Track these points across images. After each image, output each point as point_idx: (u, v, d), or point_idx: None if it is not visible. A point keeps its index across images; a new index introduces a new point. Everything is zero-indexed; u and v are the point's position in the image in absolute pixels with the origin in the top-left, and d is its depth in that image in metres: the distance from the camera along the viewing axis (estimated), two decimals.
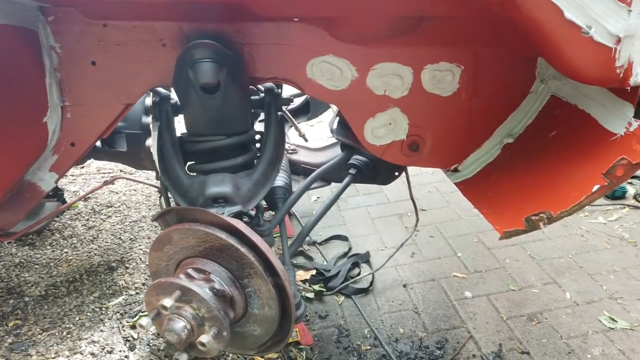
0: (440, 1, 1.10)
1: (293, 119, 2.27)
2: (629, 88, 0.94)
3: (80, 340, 2.01)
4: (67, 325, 2.09)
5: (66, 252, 2.67)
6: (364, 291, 2.34)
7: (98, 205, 3.25)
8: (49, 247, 2.72)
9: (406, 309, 2.22)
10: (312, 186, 1.87)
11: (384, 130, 1.35)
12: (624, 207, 3.01)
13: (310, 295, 2.32)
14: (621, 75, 0.92)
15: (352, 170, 1.81)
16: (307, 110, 2.58)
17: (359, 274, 2.49)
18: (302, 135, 2.34)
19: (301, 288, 2.37)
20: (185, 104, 1.29)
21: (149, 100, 2.03)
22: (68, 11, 1.18)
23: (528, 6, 0.89)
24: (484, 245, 2.71)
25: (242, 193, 1.31)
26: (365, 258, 2.61)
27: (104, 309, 2.21)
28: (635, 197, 3.10)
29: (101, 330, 2.06)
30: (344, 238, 2.84)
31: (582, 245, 2.64)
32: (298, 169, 2.39)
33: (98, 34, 1.20)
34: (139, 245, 2.75)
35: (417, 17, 1.20)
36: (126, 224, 3.01)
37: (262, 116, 1.94)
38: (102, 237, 2.84)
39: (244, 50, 1.27)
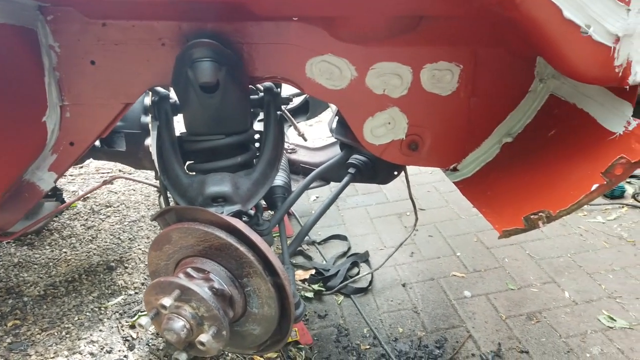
0: (440, 1, 1.10)
1: (292, 119, 2.27)
2: (627, 87, 0.95)
3: (79, 340, 2.00)
4: (66, 325, 2.09)
5: (65, 252, 2.67)
6: (363, 291, 2.34)
7: (97, 205, 3.25)
8: (47, 247, 2.72)
9: (405, 309, 2.22)
10: (311, 186, 1.87)
11: (383, 130, 1.35)
12: (623, 207, 3.02)
13: (310, 294, 2.32)
14: (620, 74, 0.92)
15: (351, 170, 1.81)
16: (307, 110, 2.58)
17: (358, 273, 2.49)
18: (302, 135, 2.34)
19: (300, 287, 2.37)
20: (184, 104, 1.29)
21: (148, 100, 2.03)
22: (67, 10, 1.18)
23: (527, 5, 0.89)
24: (483, 244, 2.71)
25: (241, 192, 1.31)
26: (365, 257, 2.61)
27: (103, 308, 2.20)
28: (634, 197, 3.10)
29: (100, 330, 2.06)
30: (343, 238, 2.84)
31: (581, 245, 2.64)
32: (297, 169, 2.39)
33: (97, 34, 1.20)
34: (138, 245, 2.75)
35: (417, 16, 1.20)
36: (125, 223, 3.01)
37: (261, 116, 1.94)
38: (101, 237, 2.84)
39: (243, 50, 1.27)
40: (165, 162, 1.36)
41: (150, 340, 2.00)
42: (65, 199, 2.75)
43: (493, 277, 2.41)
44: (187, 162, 1.41)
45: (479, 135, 1.37)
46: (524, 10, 0.90)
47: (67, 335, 2.03)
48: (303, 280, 2.42)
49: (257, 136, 1.49)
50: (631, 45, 0.90)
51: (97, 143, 2.11)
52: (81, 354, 1.93)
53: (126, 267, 2.52)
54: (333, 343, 2.02)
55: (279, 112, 1.50)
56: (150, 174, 3.53)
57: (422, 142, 1.37)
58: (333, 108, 1.97)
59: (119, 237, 2.83)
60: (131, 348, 1.96)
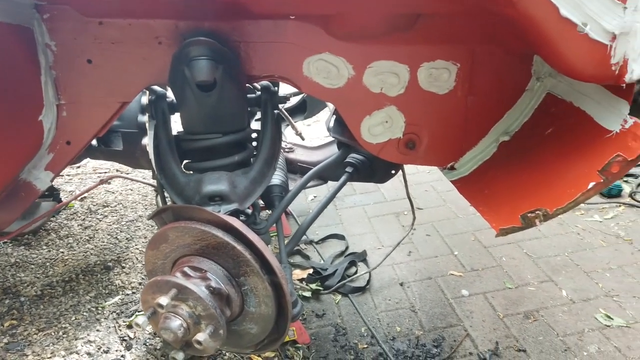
0: None
1: (290, 118, 2.27)
2: (624, 85, 0.95)
3: (76, 340, 2.00)
4: (63, 325, 2.08)
5: (62, 252, 2.66)
6: (361, 290, 2.34)
7: (94, 205, 3.24)
8: (44, 247, 2.71)
9: (403, 308, 2.22)
10: (309, 185, 1.87)
11: (380, 129, 1.35)
12: (620, 205, 3.02)
13: (307, 294, 2.32)
14: (616, 72, 0.93)
15: (348, 169, 1.81)
16: (304, 109, 2.57)
17: (355, 272, 2.49)
18: (299, 134, 2.34)
19: (298, 287, 2.37)
20: (181, 102, 1.29)
21: (145, 99, 2.03)
22: (64, 9, 1.17)
23: (524, 4, 0.89)
24: (481, 243, 2.71)
25: (238, 191, 1.31)
26: (362, 257, 2.61)
27: (100, 308, 2.20)
28: (630, 195, 3.11)
29: (97, 330, 2.06)
30: (340, 237, 2.84)
31: (578, 243, 2.65)
32: (295, 168, 2.39)
33: (94, 32, 1.20)
34: (136, 245, 2.74)
35: (414, 14, 1.21)
36: (122, 223, 3.00)
37: (258, 114, 1.94)
38: (99, 237, 2.83)
39: (241, 48, 1.27)
40: (162, 161, 1.36)
41: (148, 340, 1.99)
42: (62, 199, 2.74)
43: (490, 276, 2.42)
44: (184, 161, 1.41)
45: (476, 134, 1.37)
46: (521, 8, 0.90)
47: (64, 335, 2.02)
48: (301, 280, 2.42)
49: (254, 135, 1.48)
50: (627, 44, 0.90)
51: (94, 142, 2.11)
52: (78, 354, 1.92)
53: (123, 267, 2.52)
54: (331, 342, 2.02)
55: (276, 111, 1.50)
56: (148, 173, 3.52)
57: (419, 140, 1.37)
58: (330, 107, 1.97)
59: (116, 237, 2.83)
60: (128, 348, 1.96)
